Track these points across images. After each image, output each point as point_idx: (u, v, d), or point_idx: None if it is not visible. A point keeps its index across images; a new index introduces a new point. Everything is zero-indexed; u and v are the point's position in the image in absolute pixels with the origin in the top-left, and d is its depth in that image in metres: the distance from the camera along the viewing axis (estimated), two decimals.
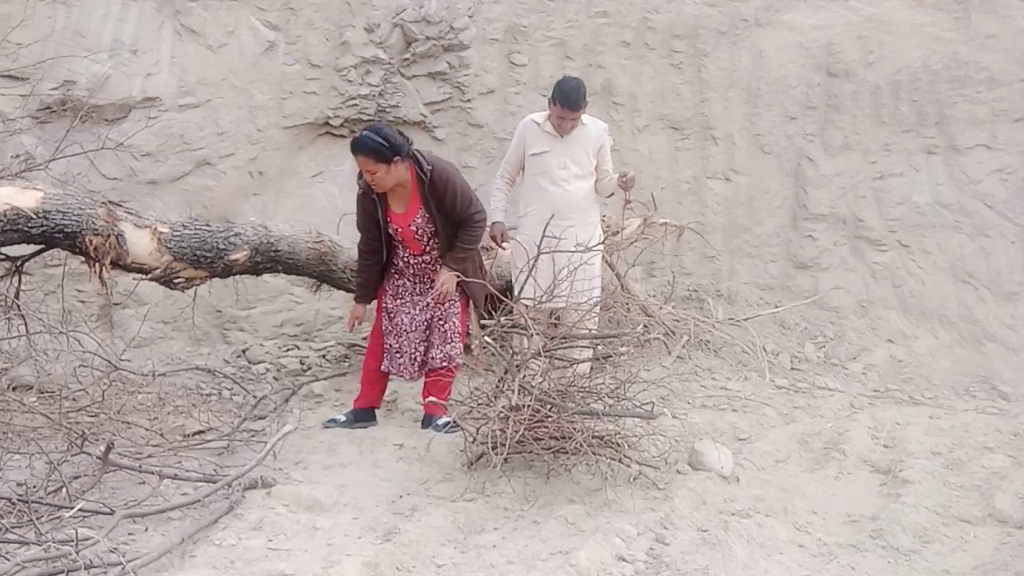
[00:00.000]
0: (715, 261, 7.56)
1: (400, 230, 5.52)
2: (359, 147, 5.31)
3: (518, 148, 6.11)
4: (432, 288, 5.54)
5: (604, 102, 7.74)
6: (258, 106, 7.43)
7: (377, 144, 5.26)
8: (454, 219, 5.45)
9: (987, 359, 7.14)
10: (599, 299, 5.85)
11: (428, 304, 5.57)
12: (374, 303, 5.76)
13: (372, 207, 5.49)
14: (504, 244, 6.12)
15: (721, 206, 7.68)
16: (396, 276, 5.64)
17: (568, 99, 5.84)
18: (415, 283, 5.63)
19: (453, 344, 5.54)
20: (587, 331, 5.33)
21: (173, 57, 7.31)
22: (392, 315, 5.62)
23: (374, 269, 5.64)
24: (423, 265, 5.60)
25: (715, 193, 7.71)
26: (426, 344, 5.57)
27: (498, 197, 6.18)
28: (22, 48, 6.94)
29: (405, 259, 5.61)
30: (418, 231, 5.50)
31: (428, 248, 5.55)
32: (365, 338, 6.14)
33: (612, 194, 6.18)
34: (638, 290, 7.00)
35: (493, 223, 6.08)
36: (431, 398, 5.42)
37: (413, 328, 5.58)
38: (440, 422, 5.42)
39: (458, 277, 5.48)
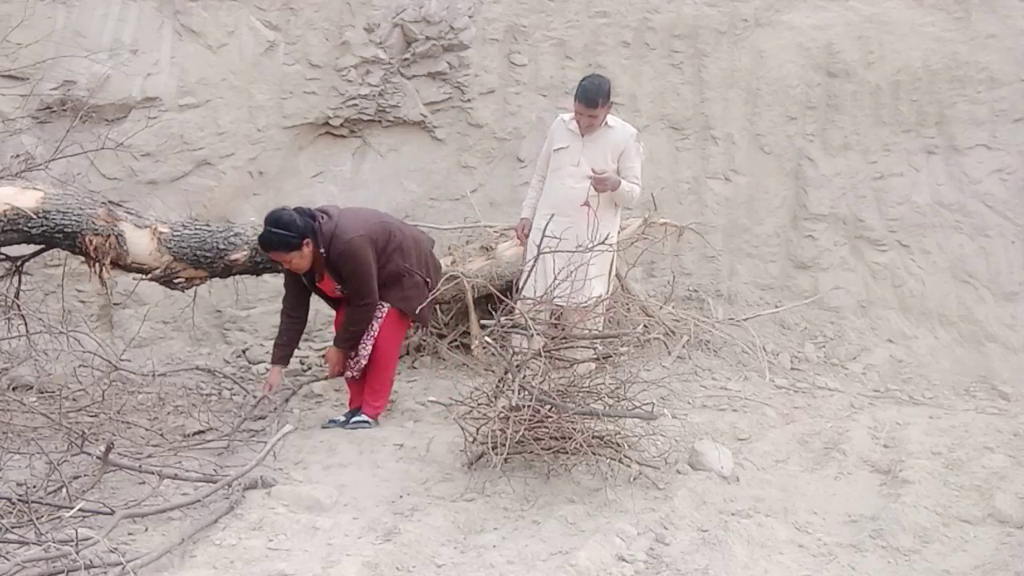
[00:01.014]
0: (715, 261, 7.55)
1: (329, 292, 5.68)
2: (267, 245, 5.41)
3: (547, 146, 6.14)
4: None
5: None
6: (258, 106, 7.43)
7: (282, 237, 5.33)
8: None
9: (987, 359, 7.14)
10: (599, 300, 5.81)
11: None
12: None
13: (297, 276, 5.63)
14: (523, 238, 6.16)
15: (721, 206, 7.68)
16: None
17: (585, 93, 5.83)
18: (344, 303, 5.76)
19: (365, 345, 5.61)
20: (587, 331, 5.32)
21: (173, 57, 7.31)
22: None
23: (296, 330, 5.77)
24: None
25: (715, 193, 7.70)
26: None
27: (529, 195, 6.25)
28: (22, 48, 6.94)
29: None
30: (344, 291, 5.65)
31: None
32: None
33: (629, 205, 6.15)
34: (638, 290, 7.00)
35: (520, 219, 6.24)
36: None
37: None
38: (356, 419, 5.59)
39: (342, 351, 5.62)
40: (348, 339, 5.61)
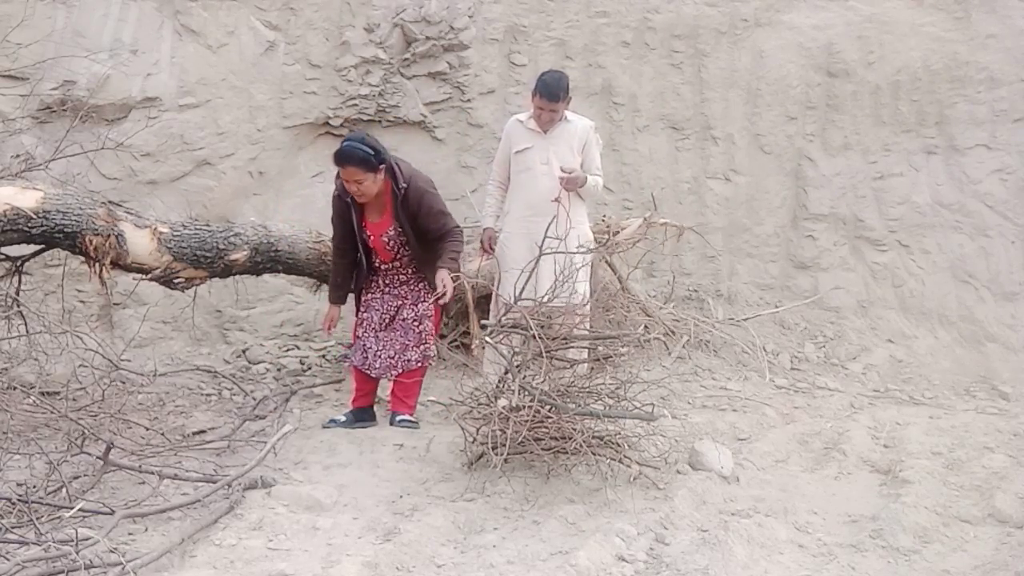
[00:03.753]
0: (715, 261, 7.56)
1: (372, 238, 5.55)
2: (347, 158, 5.28)
3: (504, 148, 6.04)
4: (418, 288, 5.59)
5: (604, 102, 7.74)
6: (258, 106, 7.43)
7: (364, 153, 5.26)
8: (428, 235, 5.48)
9: (987, 359, 7.14)
10: (586, 299, 5.79)
11: (398, 305, 5.61)
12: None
13: (346, 209, 5.51)
14: (492, 249, 6.03)
15: (721, 206, 7.68)
16: (371, 272, 5.69)
17: (546, 88, 5.77)
18: (386, 282, 5.66)
19: (427, 345, 5.57)
20: (583, 332, 5.32)
21: (173, 57, 7.31)
22: (365, 308, 5.69)
23: (348, 269, 5.66)
24: (393, 270, 5.65)
25: (715, 193, 7.70)
26: (400, 344, 5.59)
27: (489, 203, 6.11)
28: (22, 48, 6.94)
29: (376, 264, 5.67)
30: (389, 242, 5.55)
31: (398, 256, 5.60)
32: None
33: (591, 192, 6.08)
34: (638, 290, 7.00)
35: (484, 229, 6.07)
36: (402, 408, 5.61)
37: (381, 326, 5.63)
38: (399, 419, 5.54)
39: (454, 276, 5.47)
40: (454, 259, 5.51)
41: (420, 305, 5.58)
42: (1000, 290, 7.39)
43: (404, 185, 5.36)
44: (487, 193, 6.19)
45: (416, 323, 5.58)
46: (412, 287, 5.62)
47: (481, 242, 6.08)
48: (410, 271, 5.63)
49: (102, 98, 7.06)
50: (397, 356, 5.58)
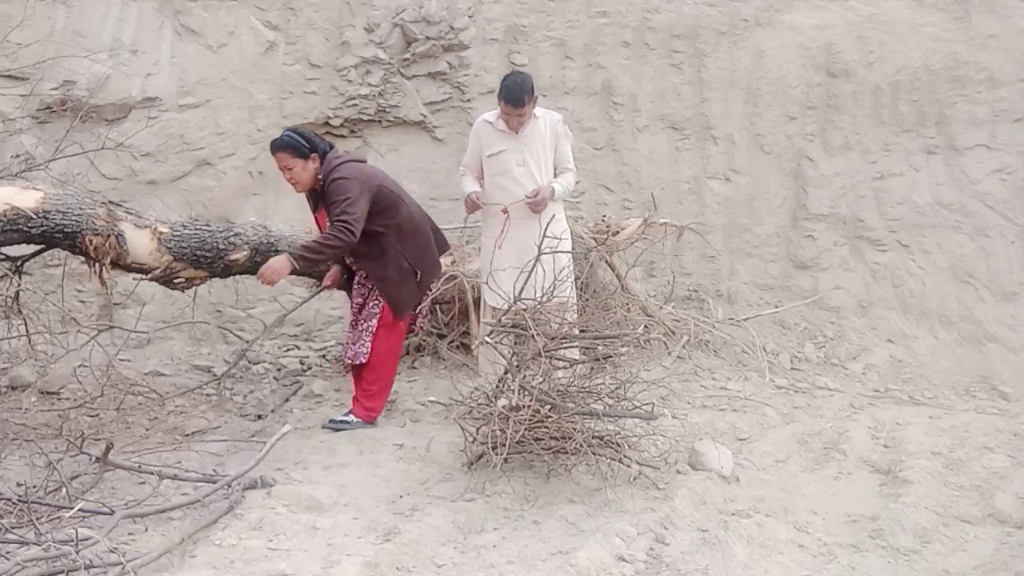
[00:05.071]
0: (715, 261, 7.56)
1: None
2: (276, 145, 5.42)
3: (474, 151, 5.97)
4: (370, 284, 5.54)
5: (604, 102, 7.74)
6: (258, 106, 7.43)
7: (293, 140, 5.39)
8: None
9: (987, 359, 7.14)
10: (572, 298, 5.76)
11: (360, 302, 5.58)
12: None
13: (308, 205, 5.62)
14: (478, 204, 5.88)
15: (721, 206, 7.68)
16: (348, 267, 5.69)
17: (510, 94, 5.72)
18: (356, 278, 5.65)
19: (363, 343, 5.50)
20: (588, 332, 5.32)
21: (173, 57, 7.32)
22: (349, 301, 5.71)
23: None
24: (356, 265, 5.61)
25: (715, 193, 7.70)
26: (354, 339, 5.56)
27: (466, 180, 5.99)
28: (22, 48, 6.94)
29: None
30: None
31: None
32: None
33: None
34: (638, 290, 7.00)
35: (467, 194, 5.89)
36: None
37: (354, 320, 5.64)
38: (339, 417, 5.48)
39: (292, 264, 5.28)
40: (308, 252, 5.26)
41: (370, 302, 5.56)
42: (1000, 290, 7.39)
43: (321, 177, 5.37)
44: (463, 177, 6.05)
45: (364, 320, 5.55)
46: (367, 284, 5.59)
47: (467, 203, 5.91)
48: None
49: (102, 98, 7.07)
50: (348, 350, 5.57)
